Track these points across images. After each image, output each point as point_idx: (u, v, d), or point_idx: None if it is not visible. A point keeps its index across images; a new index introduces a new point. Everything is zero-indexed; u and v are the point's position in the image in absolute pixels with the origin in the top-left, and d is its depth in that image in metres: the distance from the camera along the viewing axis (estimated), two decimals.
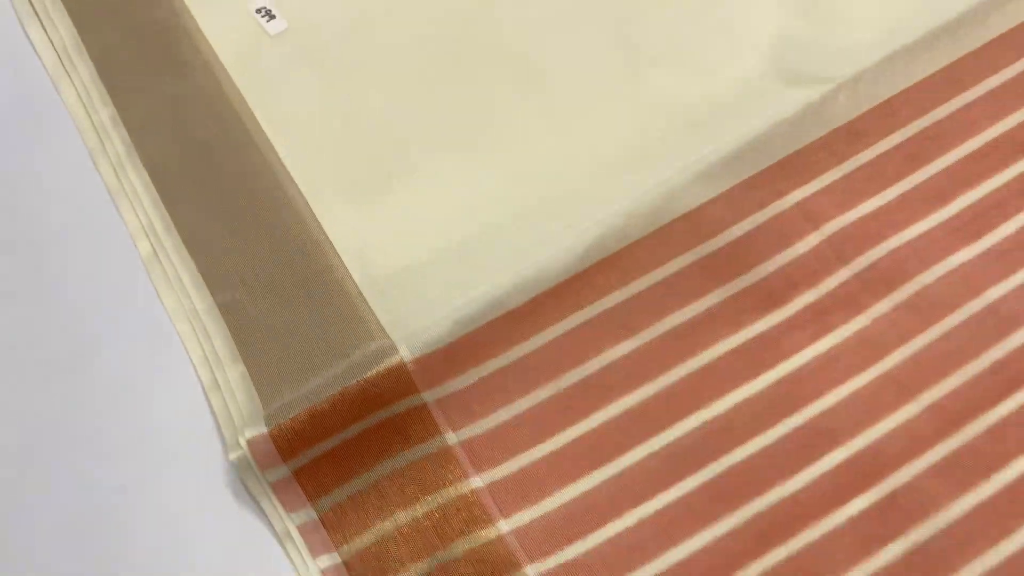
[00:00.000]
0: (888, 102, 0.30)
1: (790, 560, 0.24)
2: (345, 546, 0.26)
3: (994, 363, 0.26)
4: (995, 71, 0.31)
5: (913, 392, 0.26)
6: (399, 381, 0.26)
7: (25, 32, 0.36)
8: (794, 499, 0.25)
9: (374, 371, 0.26)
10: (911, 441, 0.26)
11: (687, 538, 0.25)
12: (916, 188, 0.29)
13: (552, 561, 0.25)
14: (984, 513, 0.25)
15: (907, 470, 0.25)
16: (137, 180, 0.32)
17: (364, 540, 0.26)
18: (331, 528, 0.26)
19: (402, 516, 0.26)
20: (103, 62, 0.34)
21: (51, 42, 0.36)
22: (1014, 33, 0.31)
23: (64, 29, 0.35)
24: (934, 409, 0.26)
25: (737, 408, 0.26)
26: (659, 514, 0.25)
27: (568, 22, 0.33)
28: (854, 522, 0.25)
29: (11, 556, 0.26)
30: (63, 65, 0.35)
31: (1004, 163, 0.29)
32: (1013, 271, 0.28)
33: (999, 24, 0.31)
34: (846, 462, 0.26)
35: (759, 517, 0.25)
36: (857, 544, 0.25)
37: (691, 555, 0.25)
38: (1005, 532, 0.24)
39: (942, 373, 0.26)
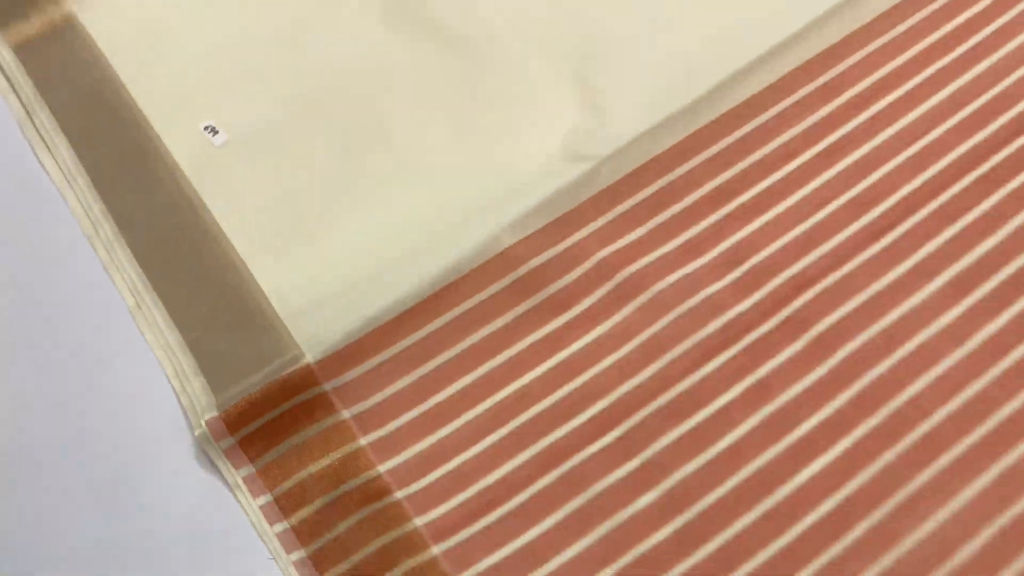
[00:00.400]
0: (637, 170, 0.43)
1: (563, 476, 0.37)
2: (275, 489, 0.38)
3: (704, 338, 0.39)
4: (714, 143, 0.43)
5: (648, 363, 0.39)
6: (306, 377, 0.39)
7: (35, 152, 0.47)
8: (568, 437, 0.37)
9: (288, 371, 0.38)
10: (645, 395, 0.38)
11: (502, 466, 0.37)
12: (658, 227, 0.42)
13: (415, 487, 0.37)
14: (692, 437, 0.37)
15: (640, 413, 0.38)
16: (123, 256, 0.43)
17: (287, 484, 0.38)
18: (265, 478, 0.38)
19: (313, 467, 0.38)
20: (94, 172, 0.45)
21: (54, 159, 0.46)
22: (727, 116, 0.44)
23: (64, 149, 0.46)
24: (661, 374, 0.38)
25: (535, 381, 0.39)
26: (485, 452, 0.38)
27: (423, 119, 0.46)
28: (605, 450, 0.37)
29: (40, 515, 0.38)
30: (64, 176, 0.46)
31: (719, 205, 0.42)
32: (725, 274, 0.40)
33: (719, 108, 0.44)
34: (603, 411, 0.38)
35: (546, 450, 0.37)
36: (606, 465, 0.37)
37: (506, 475, 0.37)
38: (706, 446, 0.37)
39: (668, 348, 0.39)
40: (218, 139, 0.47)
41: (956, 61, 0.45)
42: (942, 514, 0.35)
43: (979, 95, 0.44)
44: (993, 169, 0.42)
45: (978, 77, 0.44)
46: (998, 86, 0.44)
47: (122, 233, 0.44)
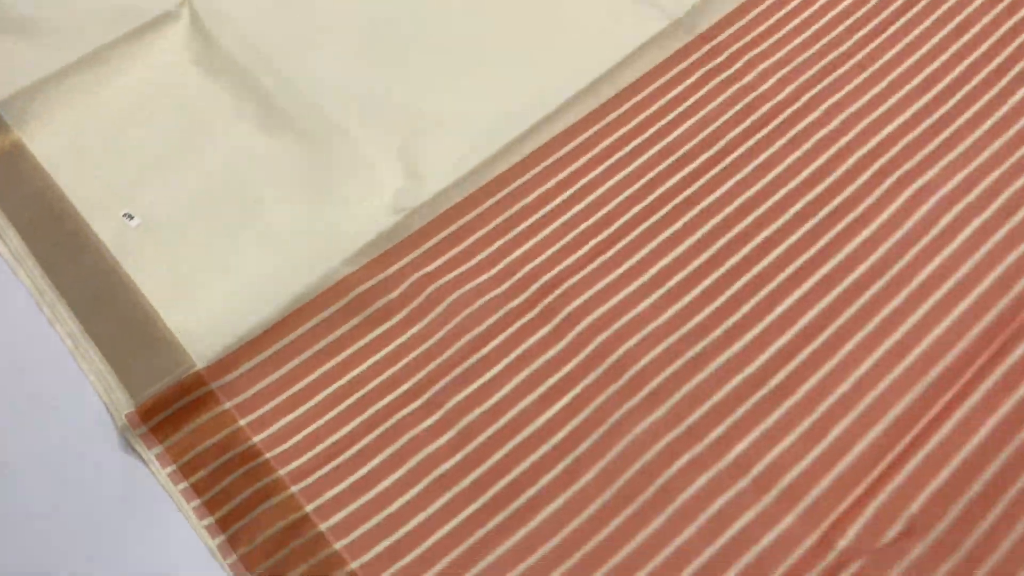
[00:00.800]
0: (440, 215, 0.59)
1: (386, 431, 0.52)
2: (178, 461, 0.52)
3: (485, 329, 0.55)
4: (497, 192, 0.60)
5: (445, 349, 0.54)
6: (197, 380, 0.53)
7: None
8: (389, 405, 0.52)
9: (184, 376, 0.53)
10: (444, 370, 0.53)
11: (341, 429, 0.52)
12: (456, 255, 0.57)
13: (279, 449, 0.52)
14: (475, 395, 0.52)
15: (441, 383, 0.53)
16: (64, 313, 0.58)
17: (187, 457, 0.52)
18: (170, 453, 0.52)
19: (206, 444, 0.52)
20: (39, 253, 0.60)
21: (7, 246, 0.62)
22: (504, 174, 0.61)
23: (14, 238, 0.61)
24: (455, 355, 0.54)
25: (365, 370, 0.53)
26: (328, 421, 0.52)
27: (283, 194, 0.61)
28: (416, 410, 0.52)
29: (9, 500, 0.51)
30: (15, 258, 0.61)
31: (500, 236, 0.58)
32: (503, 283, 0.56)
33: (499, 168, 0.61)
34: (414, 384, 0.53)
35: (373, 415, 0.52)
36: (416, 420, 0.52)
37: (344, 435, 0.52)
38: (483, 401, 0.52)
39: (460, 337, 0.54)
40: (133, 223, 0.62)
41: (661, 126, 0.63)
42: (638, 431, 0.51)
43: (683, 146, 0.62)
44: (690, 196, 0.59)
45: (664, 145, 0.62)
46: (673, 156, 0.62)
47: (62, 296, 0.59)
